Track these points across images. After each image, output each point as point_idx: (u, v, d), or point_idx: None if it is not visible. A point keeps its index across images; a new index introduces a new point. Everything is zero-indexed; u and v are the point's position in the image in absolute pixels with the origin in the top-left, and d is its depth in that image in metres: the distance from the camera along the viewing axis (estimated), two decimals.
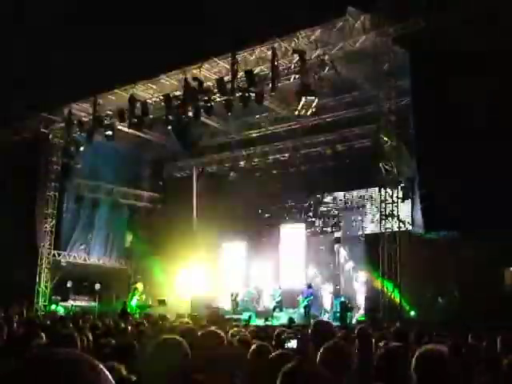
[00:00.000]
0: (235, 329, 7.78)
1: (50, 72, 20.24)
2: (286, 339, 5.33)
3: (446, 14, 14.44)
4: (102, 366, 1.12)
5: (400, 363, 3.44)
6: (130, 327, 7.81)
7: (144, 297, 23.54)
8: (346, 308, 20.00)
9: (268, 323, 19.52)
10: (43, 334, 4.86)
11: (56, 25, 20.35)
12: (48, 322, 10.95)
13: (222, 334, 4.57)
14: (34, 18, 19.72)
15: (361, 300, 21.63)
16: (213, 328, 4.87)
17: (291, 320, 18.01)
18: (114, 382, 1.13)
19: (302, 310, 21.14)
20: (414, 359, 3.06)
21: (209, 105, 19.34)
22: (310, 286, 21.32)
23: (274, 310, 21.89)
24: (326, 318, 20.30)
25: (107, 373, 1.12)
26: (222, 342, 4.34)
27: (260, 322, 19.94)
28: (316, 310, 21.54)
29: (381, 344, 5.38)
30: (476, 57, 13.71)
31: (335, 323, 16.00)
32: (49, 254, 24.13)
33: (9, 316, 10.63)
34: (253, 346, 4.66)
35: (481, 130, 13.66)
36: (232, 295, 23.56)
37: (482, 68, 13.74)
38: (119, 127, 22.16)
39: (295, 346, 5.05)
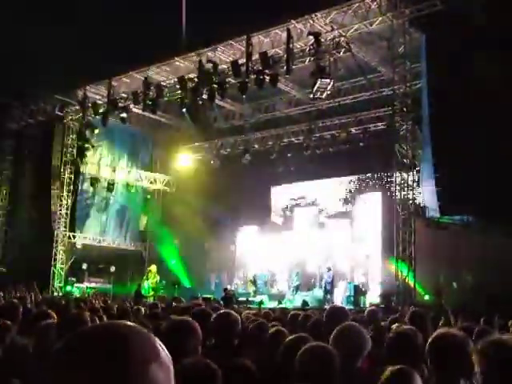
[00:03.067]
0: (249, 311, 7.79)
1: (65, 54, 20.23)
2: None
3: None
4: (157, 340, 1.11)
5: (412, 346, 3.41)
6: (143, 309, 7.85)
7: (158, 279, 23.65)
8: (360, 292, 19.98)
9: (282, 306, 19.58)
10: (55, 314, 4.89)
11: (70, 7, 20.32)
12: (63, 303, 11.03)
13: (237, 315, 4.56)
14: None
15: (375, 284, 21.61)
16: (227, 310, 4.86)
17: (305, 303, 18.06)
18: (169, 356, 1.12)
19: (321, 294, 21.22)
20: (428, 342, 3.04)
21: (223, 87, 19.28)
22: (329, 269, 21.21)
23: (294, 291, 21.97)
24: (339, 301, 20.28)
25: (163, 346, 1.11)
26: (235, 323, 4.33)
27: (273, 305, 20.00)
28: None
29: (394, 327, 5.35)
30: (492, 39, 13.51)
31: (349, 307, 16.01)
32: (64, 236, 24.31)
33: (24, 296, 10.74)
34: (270, 330, 4.65)
35: (497, 112, 13.48)
36: (252, 278, 23.72)
37: (498, 50, 13.54)
38: (134, 110, 22.20)
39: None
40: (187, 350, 3.05)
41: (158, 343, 1.10)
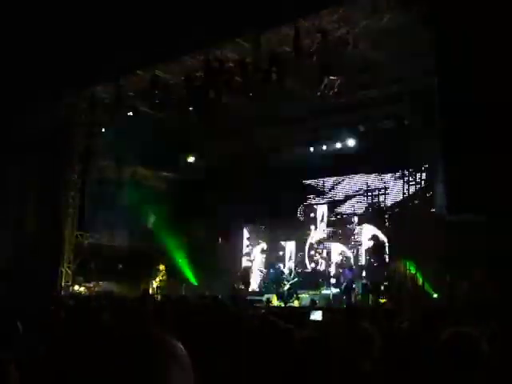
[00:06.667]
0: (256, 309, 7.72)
1: (72, 53, 20.23)
2: (310, 311, 5.27)
3: None
4: (178, 343, 1.18)
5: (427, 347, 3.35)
6: (150, 308, 7.82)
7: (166, 278, 23.66)
8: (369, 290, 19.88)
9: (291, 304, 19.56)
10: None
11: (75, 7, 20.30)
12: (70, 302, 11.01)
13: (241, 314, 4.52)
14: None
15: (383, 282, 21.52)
16: (233, 310, 4.81)
17: (313, 302, 18.01)
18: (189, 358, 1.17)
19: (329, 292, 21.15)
20: (441, 341, 2.97)
21: (230, 86, 19.24)
22: (351, 268, 21.00)
23: (288, 291, 21.72)
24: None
25: (183, 349, 1.18)
26: (241, 322, 4.29)
27: (281, 304, 19.99)
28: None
29: (404, 326, 5.29)
30: (505, 33, 13.35)
31: None
32: (71, 235, 24.32)
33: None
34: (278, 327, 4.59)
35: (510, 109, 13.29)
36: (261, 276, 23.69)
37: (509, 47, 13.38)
38: (141, 108, 22.18)
39: (320, 318, 5.00)
40: (203, 350, 3.00)
41: (179, 346, 1.16)
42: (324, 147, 23.58)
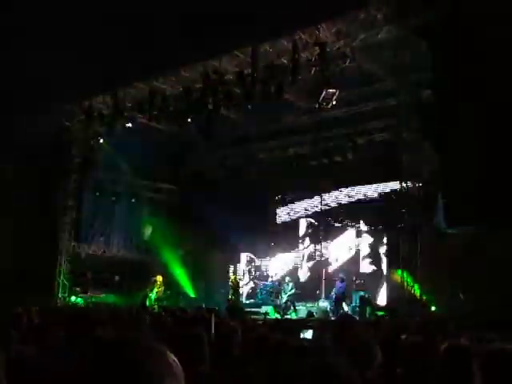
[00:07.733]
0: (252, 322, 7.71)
1: (70, 65, 20.30)
2: (302, 329, 5.27)
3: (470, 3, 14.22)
4: (170, 353, 1.18)
5: (428, 357, 3.35)
6: (148, 319, 7.79)
7: (163, 289, 23.59)
8: (366, 302, 19.82)
9: (287, 317, 19.50)
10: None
11: (73, 19, 20.41)
12: (67, 313, 10.95)
13: (236, 326, 4.52)
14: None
15: (380, 294, 21.49)
16: (226, 321, 4.80)
17: (310, 314, 17.96)
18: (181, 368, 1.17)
19: (327, 305, 21.02)
20: (440, 353, 2.98)
21: (229, 97, 19.29)
22: (343, 280, 20.87)
23: (285, 304, 21.57)
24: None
25: (175, 360, 1.17)
26: (235, 334, 4.28)
27: (278, 316, 19.92)
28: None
29: (403, 337, 5.28)
30: (500, 44, 13.43)
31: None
32: (68, 246, 24.27)
33: (28, 307, 10.67)
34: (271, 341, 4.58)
35: (506, 122, 13.33)
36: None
37: (506, 54, 13.44)
38: (139, 120, 22.20)
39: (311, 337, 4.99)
40: (194, 360, 2.99)
41: (171, 357, 1.16)
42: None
